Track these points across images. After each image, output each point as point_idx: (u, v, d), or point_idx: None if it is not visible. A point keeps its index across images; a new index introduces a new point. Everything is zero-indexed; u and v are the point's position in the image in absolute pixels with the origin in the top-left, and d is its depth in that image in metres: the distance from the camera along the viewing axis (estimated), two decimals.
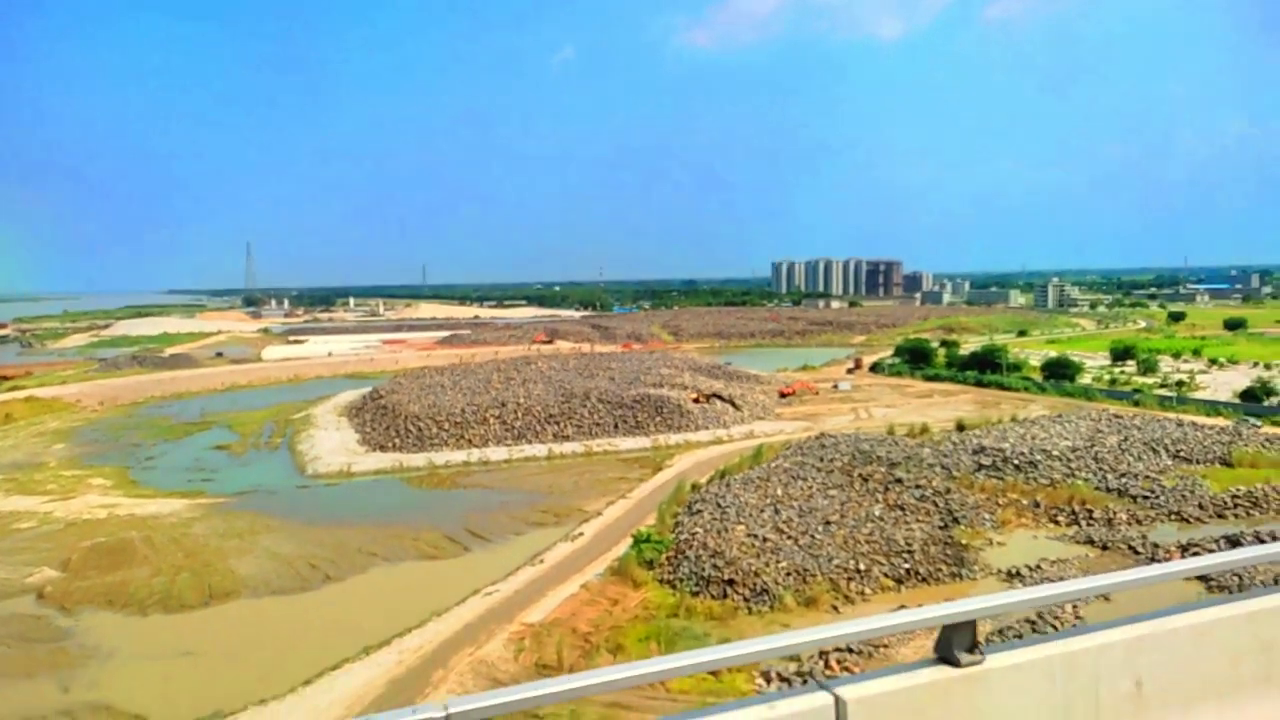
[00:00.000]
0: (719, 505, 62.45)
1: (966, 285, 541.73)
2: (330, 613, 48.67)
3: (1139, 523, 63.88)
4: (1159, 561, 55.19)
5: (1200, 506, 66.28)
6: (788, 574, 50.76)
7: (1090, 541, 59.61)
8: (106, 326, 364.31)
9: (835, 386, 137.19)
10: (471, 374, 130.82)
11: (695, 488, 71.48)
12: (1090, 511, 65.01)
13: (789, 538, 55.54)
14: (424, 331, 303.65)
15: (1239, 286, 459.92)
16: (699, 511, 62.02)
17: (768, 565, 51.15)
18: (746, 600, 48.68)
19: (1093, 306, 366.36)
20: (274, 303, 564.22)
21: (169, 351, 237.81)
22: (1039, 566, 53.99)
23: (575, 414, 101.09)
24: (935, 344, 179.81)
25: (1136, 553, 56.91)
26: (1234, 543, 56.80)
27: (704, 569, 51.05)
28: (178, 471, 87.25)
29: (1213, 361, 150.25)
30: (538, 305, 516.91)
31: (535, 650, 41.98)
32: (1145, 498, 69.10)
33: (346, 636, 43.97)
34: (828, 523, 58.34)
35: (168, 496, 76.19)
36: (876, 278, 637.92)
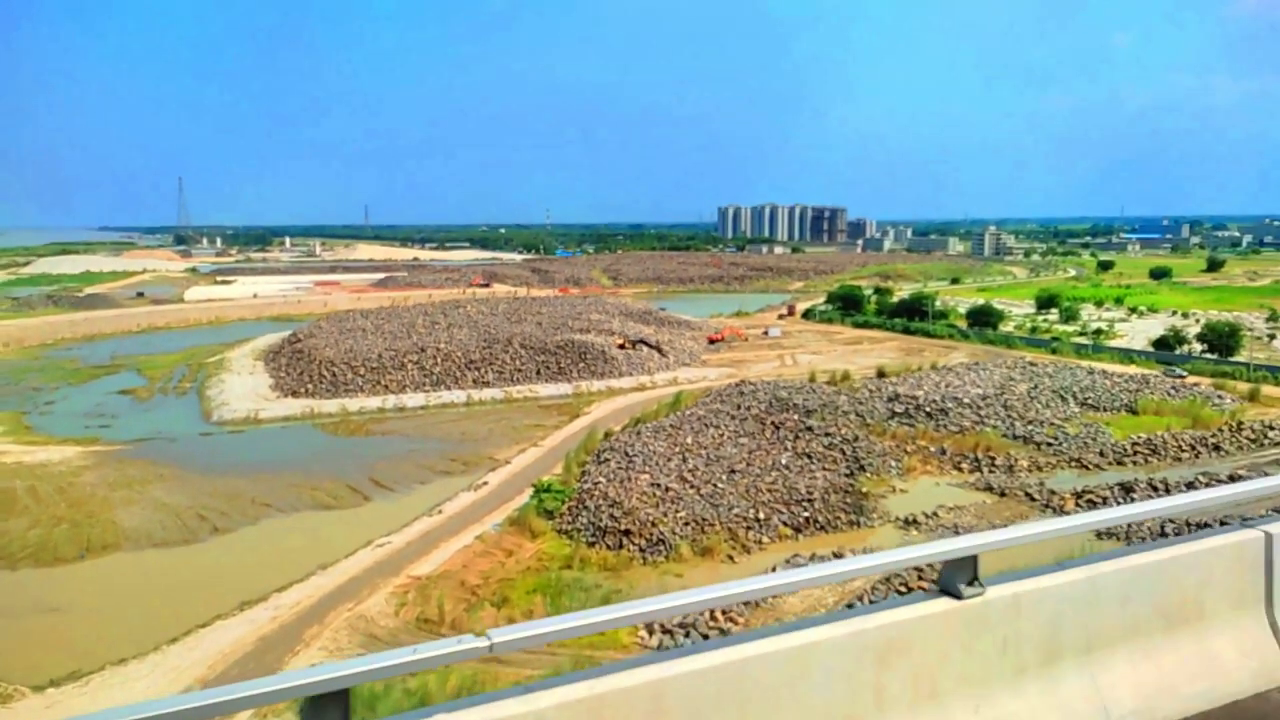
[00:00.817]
0: (627, 454, 61.86)
1: (909, 233, 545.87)
2: (212, 566, 47.14)
3: (1039, 469, 64.95)
4: (1053, 506, 56.22)
5: (1101, 454, 67.61)
6: (686, 524, 50.46)
7: (989, 488, 60.40)
8: (26, 264, 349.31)
9: (765, 333, 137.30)
10: (397, 318, 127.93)
11: (608, 435, 70.81)
12: (993, 459, 65.88)
13: (692, 487, 55.21)
14: (359, 274, 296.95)
15: (1169, 237, 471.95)
16: (606, 460, 61.37)
17: (666, 515, 50.78)
18: (642, 550, 48.31)
19: (1027, 255, 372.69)
20: (205, 241, 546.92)
21: (87, 291, 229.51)
22: (935, 513, 54.53)
23: (497, 359, 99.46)
24: (869, 291, 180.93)
25: (1032, 499, 57.80)
26: (1127, 490, 58.04)
27: (601, 519, 50.50)
28: (76, 417, 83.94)
29: (1133, 310, 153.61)
30: (480, 248, 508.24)
31: (419, 604, 41.10)
32: (1049, 444, 70.29)
33: (225, 591, 42.57)
34: (733, 471, 58.13)
35: (61, 444, 73.26)
36: (821, 224, 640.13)
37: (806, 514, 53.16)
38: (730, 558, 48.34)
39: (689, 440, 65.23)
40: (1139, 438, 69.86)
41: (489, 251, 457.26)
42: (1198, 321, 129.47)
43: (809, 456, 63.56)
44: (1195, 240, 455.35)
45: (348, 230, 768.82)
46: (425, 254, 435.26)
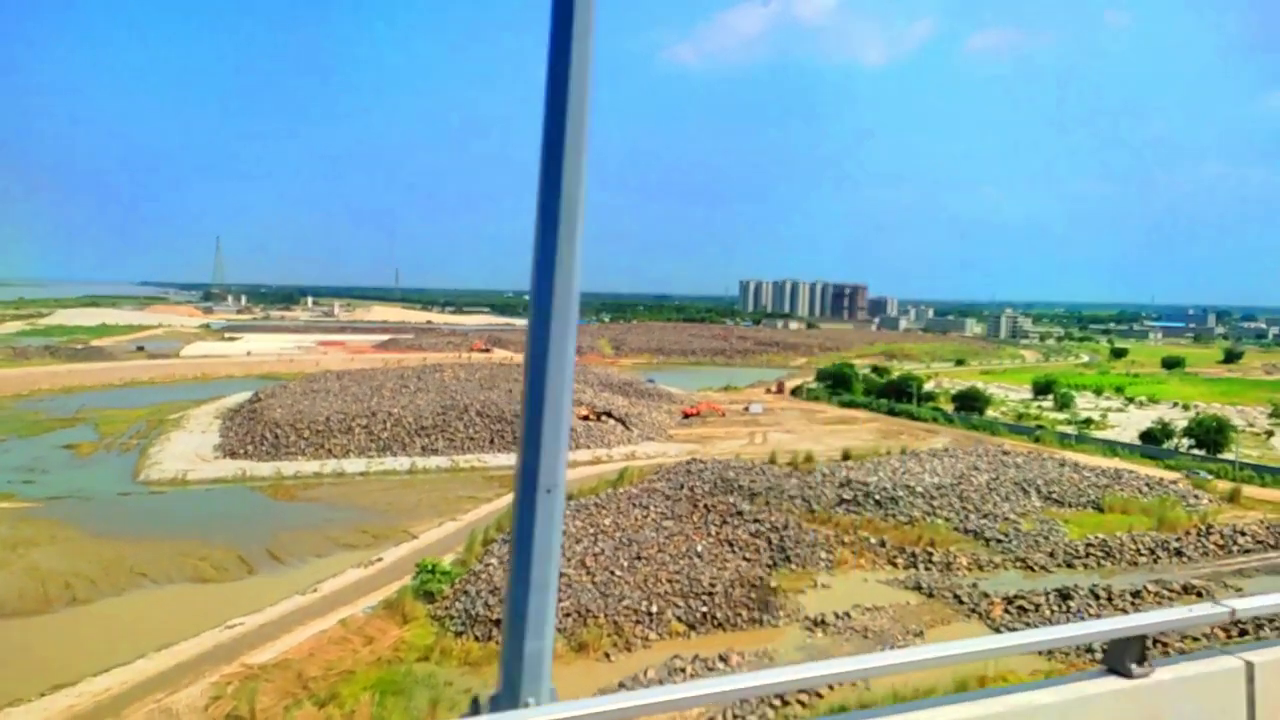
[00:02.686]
0: None
1: (931, 313, 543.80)
2: (46, 642, 43.91)
3: (980, 569, 60.47)
4: (980, 611, 51.82)
5: (1051, 555, 63.00)
6: (568, 614, 46.65)
7: (918, 587, 55.99)
8: (47, 315, 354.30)
9: (746, 409, 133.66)
10: (368, 381, 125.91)
11: None
12: (930, 554, 61.50)
13: (589, 573, 51.50)
14: (367, 334, 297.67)
15: (1192, 326, 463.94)
16: (510, 540, 57.70)
17: None
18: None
19: (1042, 339, 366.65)
20: (230, 299, 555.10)
21: (93, 343, 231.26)
22: (848, 614, 50.27)
23: (449, 427, 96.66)
24: (866, 370, 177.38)
25: (960, 602, 53.36)
26: (1065, 597, 53.52)
27: (476, 606, 46.84)
28: (6, 471, 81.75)
29: (1129, 400, 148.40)
30: (497, 313, 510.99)
31: (236, 699, 37.49)
32: (999, 541, 65.83)
33: (40, 672, 39.32)
34: (639, 558, 54.36)
35: None
36: (841, 301, 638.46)
37: (705, 609, 49.16)
38: (607, 655, 44.39)
39: (608, 521, 61.58)
40: (1094, 538, 65.18)
41: (504, 317, 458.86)
42: (1198, 414, 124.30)
43: (730, 544, 59.62)
44: (1219, 330, 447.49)
45: (377, 291, 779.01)
46: (440, 317, 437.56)
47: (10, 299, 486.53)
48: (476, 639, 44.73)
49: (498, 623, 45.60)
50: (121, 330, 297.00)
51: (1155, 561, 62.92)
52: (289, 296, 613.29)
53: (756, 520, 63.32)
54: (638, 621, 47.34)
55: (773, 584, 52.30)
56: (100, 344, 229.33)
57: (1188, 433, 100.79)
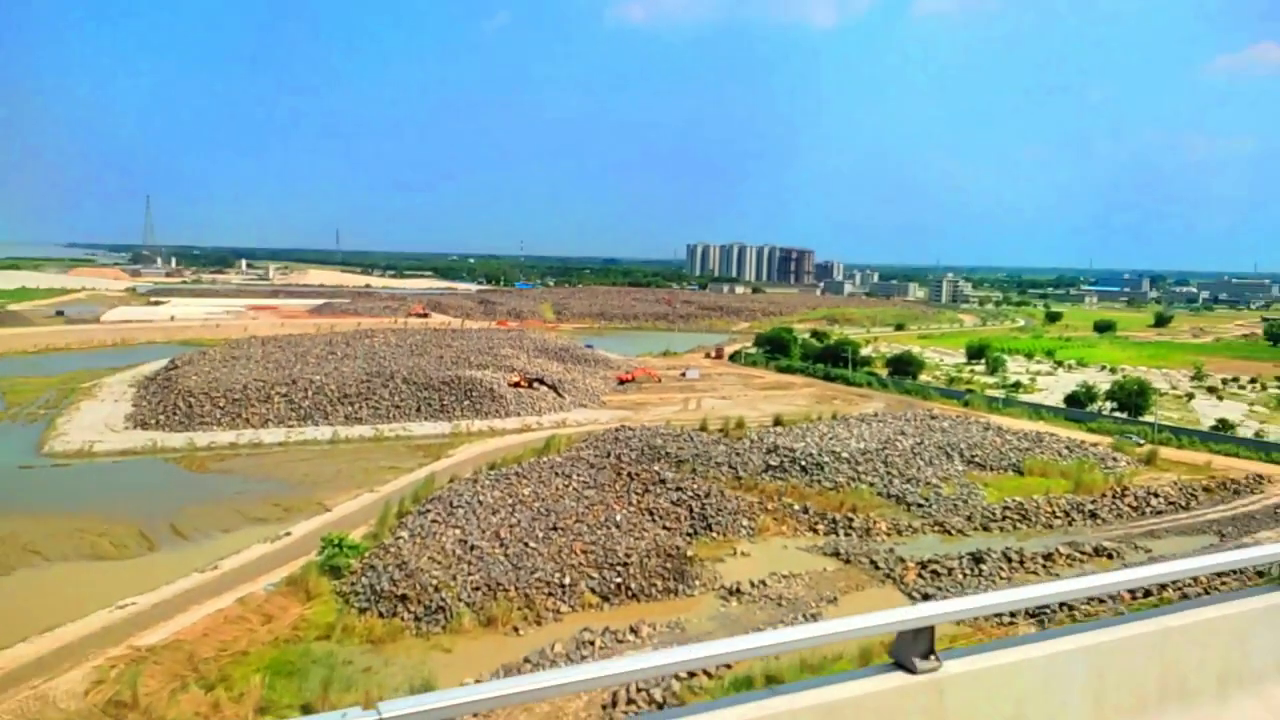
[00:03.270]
0: (451, 505, 56.93)
1: (876, 277, 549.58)
2: None
3: (899, 533, 60.78)
4: (894, 577, 51.98)
5: (969, 518, 63.61)
6: (477, 588, 45.58)
7: (836, 554, 56.03)
8: None
9: (683, 374, 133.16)
10: (293, 346, 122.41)
11: (454, 480, 65.93)
12: (850, 520, 61.63)
13: (502, 545, 50.38)
14: (302, 299, 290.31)
15: (1127, 291, 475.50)
16: (426, 511, 56.40)
17: (455, 578, 45.88)
18: (417, 619, 43.30)
19: (981, 304, 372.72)
20: (160, 261, 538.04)
21: (14, 308, 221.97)
22: (763, 583, 50.01)
23: (374, 395, 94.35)
24: (805, 335, 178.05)
25: (877, 567, 53.49)
26: (978, 560, 53.97)
27: (381, 582, 45.48)
28: None
29: (1059, 364, 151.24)
30: (440, 277, 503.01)
31: (119, 683, 35.74)
32: (920, 505, 66.25)
33: None
34: (555, 528, 53.38)
35: None
36: (789, 265, 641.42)
37: (619, 579, 48.46)
38: (516, 630, 43.46)
39: (527, 491, 60.41)
40: (1011, 502, 65.97)
41: (445, 281, 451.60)
42: (1123, 377, 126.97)
43: (650, 513, 58.99)
44: (1153, 295, 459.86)
45: (317, 255, 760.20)
46: (379, 281, 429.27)
47: None
48: (380, 615, 43.43)
49: (402, 598, 44.40)
50: (43, 294, 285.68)
51: (1070, 524, 63.90)
52: (222, 259, 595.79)
53: (679, 488, 62.74)
54: (550, 594, 46.46)
55: (690, 553, 51.79)
56: (18, 309, 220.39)
57: (1110, 396, 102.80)
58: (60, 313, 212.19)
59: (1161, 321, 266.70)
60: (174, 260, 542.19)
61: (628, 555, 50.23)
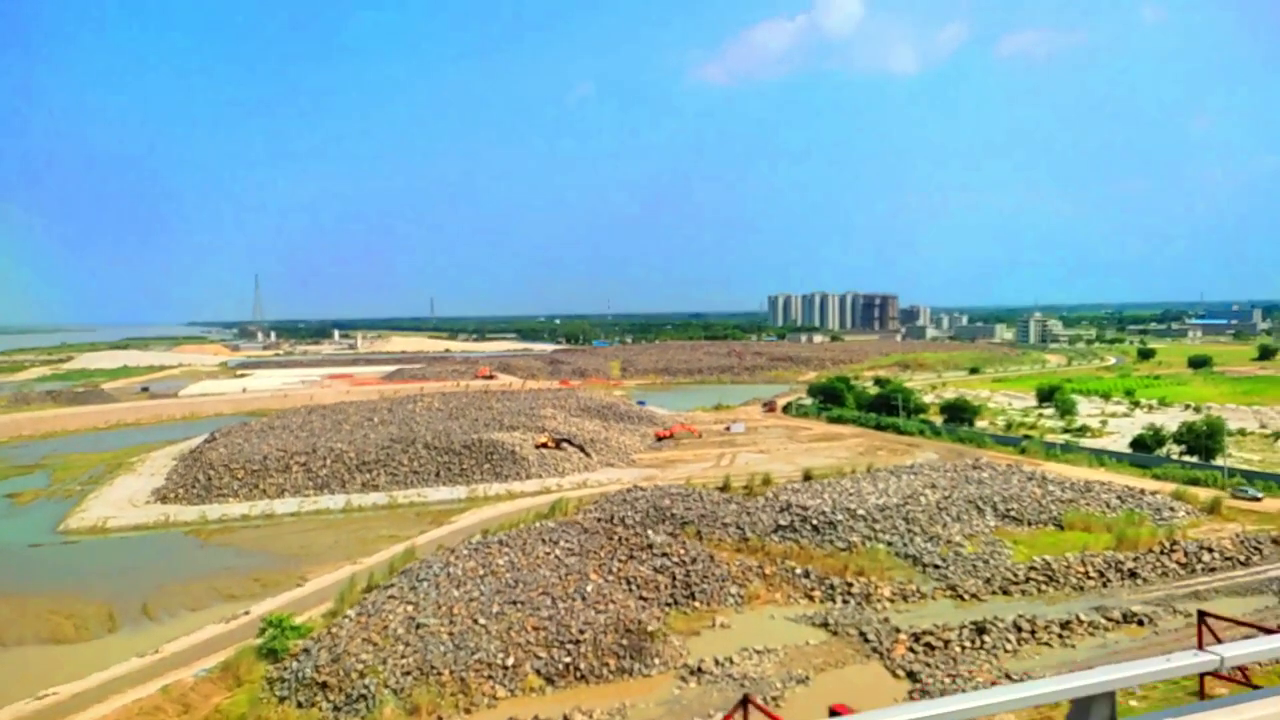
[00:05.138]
0: (417, 579, 54.32)
1: (965, 320, 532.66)
2: None
3: (905, 599, 55.26)
4: (881, 651, 46.78)
5: (987, 581, 57.52)
6: (408, 673, 42.58)
7: (825, 624, 51.05)
8: (67, 360, 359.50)
9: (727, 429, 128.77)
10: (336, 414, 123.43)
11: (441, 549, 63.43)
12: (850, 586, 56.43)
13: (451, 622, 47.36)
14: (379, 365, 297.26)
15: (1234, 323, 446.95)
16: (390, 586, 53.97)
17: (386, 663, 43.01)
18: (336, 709, 40.52)
19: (1072, 342, 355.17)
20: (260, 335, 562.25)
21: (107, 385, 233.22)
22: (731, 660, 45.54)
23: (393, 461, 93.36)
24: (868, 383, 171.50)
25: (866, 640, 48.31)
26: (980, 630, 48.22)
27: (307, 668, 42.97)
28: None
29: (1136, 404, 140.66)
30: (521, 339, 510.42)
31: None
32: (936, 567, 60.43)
33: None
34: (514, 602, 50.11)
35: None
36: (872, 311, 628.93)
37: (568, 659, 44.78)
38: (439, 719, 40.19)
39: (503, 561, 57.37)
40: (1039, 561, 59.53)
41: (524, 343, 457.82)
42: (1205, 417, 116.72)
43: (629, 582, 55.19)
44: (1264, 327, 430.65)
45: (413, 322, 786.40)
46: (457, 345, 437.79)
47: (54, 344, 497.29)
48: (299, 705, 40.84)
49: (324, 686, 41.75)
50: (141, 372, 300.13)
51: (1105, 585, 57.15)
52: (321, 331, 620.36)
53: (664, 554, 58.75)
54: (489, 676, 43.14)
55: (651, 629, 47.63)
56: (110, 386, 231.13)
57: (1178, 439, 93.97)
58: (145, 389, 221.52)
59: (1267, 354, 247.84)
60: (273, 334, 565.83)
61: (581, 632, 46.54)
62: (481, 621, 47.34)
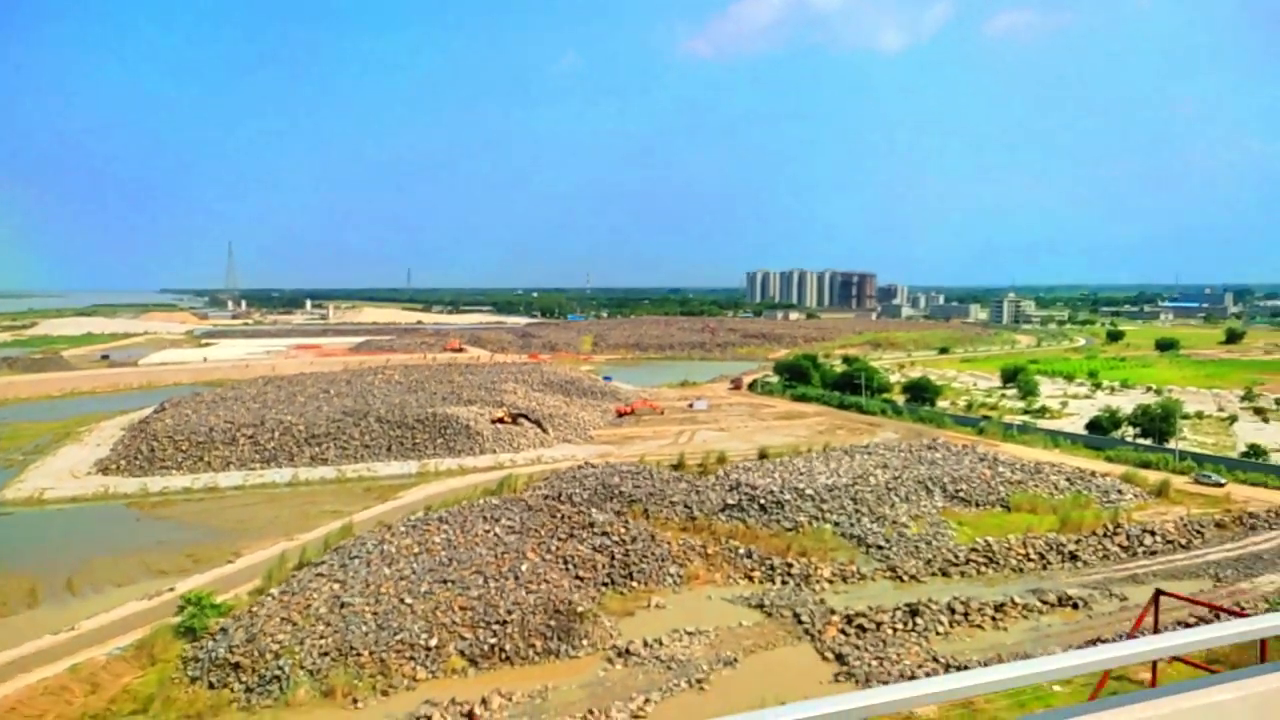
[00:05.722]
0: (349, 556, 53.23)
1: (941, 299, 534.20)
2: None
3: (844, 580, 54.82)
4: (813, 633, 46.28)
5: (928, 562, 57.19)
6: (325, 654, 41.59)
7: (761, 605, 50.51)
8: (31, 326, 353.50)
9: (690, 405, 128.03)
10: (292, 385, 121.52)
11: (381, 525, 62.33)
12: (791, 566, 55.93)
13: (376, 602, 46.34)
14: (349, 336, 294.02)
15: (1205, 306, 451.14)
16: (321, 563, 52.85)
17: (303, 643, 41.97)
18: (249, 690, 39.49)
19: (1044, 323, 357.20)
20: (231, 304, 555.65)
21: (68, 352, 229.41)
22: (660, 642, 44.86)
23: (344, 434, 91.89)
24: (837, 362, 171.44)
25: (799, 621, 47.81)
26: (914, 613, 47.80)
27: (221, 648, 41.86)
28: None
29: (1098, 385, 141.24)
30: (496, 312, 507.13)
31: None
32: (879, 548, 60.04)
33: None
34: (445, 581, 49.15)
35: None
36: (850, 289, 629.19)
37: (494, 640, 43.94)
38: (355, 701, 39.26)
39: (439, 539, 56.36)
40: (980, 543, 59.29)
41: (498, 316, 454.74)
42: (1162, 399, 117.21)
43: (566, 561, 54.36)
44: (1234, 310, 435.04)
45: (389, 293, 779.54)
46: (431, 317, 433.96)
47: (20, 310, 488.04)
48: (210, 686, 39.78)
49: (236, 666, 40.67)
50: (105, 339, 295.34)
51: (1045, 567, 56.99)
52: (293, 300, 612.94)
53: (605, 533, 57.92)
54: (410, 658, 42.21)
55: (580, 609, 46.81)
56: (70, 354, 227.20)
57: (1132, 421, 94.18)
58: (105, 357, 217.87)
59: (1233, 338, 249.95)
60: (244, 303, 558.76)
61: (510, 612, 45.69)
62: (408, 601, 46.36)
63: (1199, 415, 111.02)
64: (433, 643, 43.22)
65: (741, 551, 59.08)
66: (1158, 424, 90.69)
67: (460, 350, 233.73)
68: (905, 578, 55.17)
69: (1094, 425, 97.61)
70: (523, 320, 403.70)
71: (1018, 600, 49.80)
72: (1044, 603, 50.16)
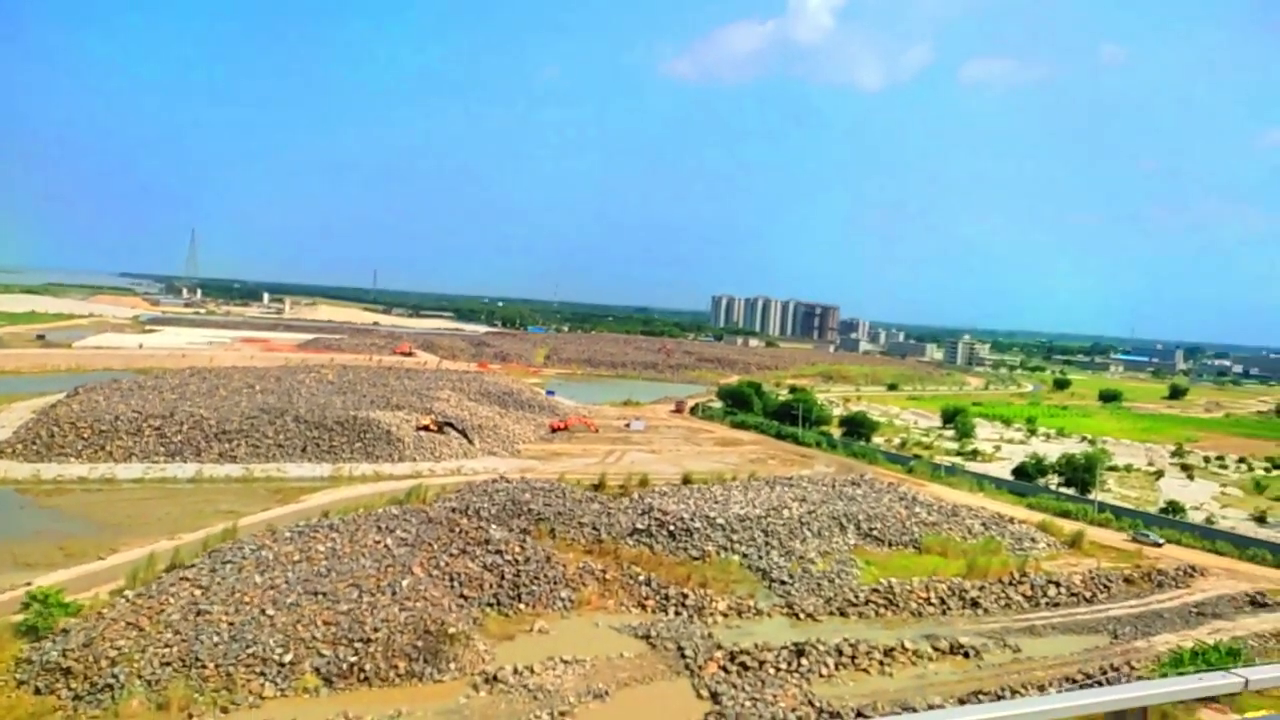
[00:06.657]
0: (222, 561, 50.72)
1: (902, 336, 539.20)
2: None
3: (739, 614, 53.32)
4: (693, 669, 44.62)
5: (827, 601, 55.92)
6: (167, 664, 39.14)
7: (647, 637, 48.82)
8: None
9: (627, 425, 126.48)
10: (219, 379, 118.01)
11: (270, 529, 59.82)
12: (685, 597, 54.34)
13: (235, 611, 43.94)
14: (299, 333, 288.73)
15: (1154, 361, 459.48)
16: (191, 566, 50.30)
17: (145, 651, 39.49)
18: (77, 698, 36.95)
19: (996, 367, 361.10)
20: (185, 291, 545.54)
21: (2, 331, 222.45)
22: (531, 669, 42.92)
23: (257, 432, 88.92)
24: (783, 392, 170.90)
25: (683, 655, 46.18)
26: (800, 653, 46.36)
27: (54, 651, 39.26)
28: None
29: (1032, 432, 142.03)
30: (456, 319, 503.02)
31: None
32: (782, 583, 58.71)
33: None
34: (317, 593, 46.88)
35: None
36: (812, 320, 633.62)
37: (354, 658, 41.74)
38: (191, 717, 36.87)
39: (323, 547, 54.03)
40: (883, 584, 58.15)
41: (458, 323, 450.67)
42: (1094, 449, 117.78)
43: (453, 578, 52.31)
44: (1183, 367, 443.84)
45: (354, 292, 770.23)
46: (389, 319, 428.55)
47: None
48: (37, 691, 37.18)
49: (67, 672, 38.10)
50: (48, 319, 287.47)
51: (944, 612, 55.96)
52: (252, 293, 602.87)
53: (499, 551, 55.96)
54: (260, 673, 39.88)
55: (451, 631, 44.77)
56: (4, 331, 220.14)
57: (1057, 469, 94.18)
58: (41, 337, 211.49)
59: (1176, 393, 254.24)
60: (199, 291, 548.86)
61: (376, 630, 43.53)
62: (270, 612, 44.01)
63: (1127, 468, 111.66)
64: (287, 658, 40.93)
65: (641, 578, 57.35)
66: (1081, 474, 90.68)
67: (409, 354, 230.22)
68: (802, 615, 53.81)
69: (1019, 471, 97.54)
70: (481, 329, 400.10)
71: (908, 645, 48.60)
72: (935, 649, 49.05)
